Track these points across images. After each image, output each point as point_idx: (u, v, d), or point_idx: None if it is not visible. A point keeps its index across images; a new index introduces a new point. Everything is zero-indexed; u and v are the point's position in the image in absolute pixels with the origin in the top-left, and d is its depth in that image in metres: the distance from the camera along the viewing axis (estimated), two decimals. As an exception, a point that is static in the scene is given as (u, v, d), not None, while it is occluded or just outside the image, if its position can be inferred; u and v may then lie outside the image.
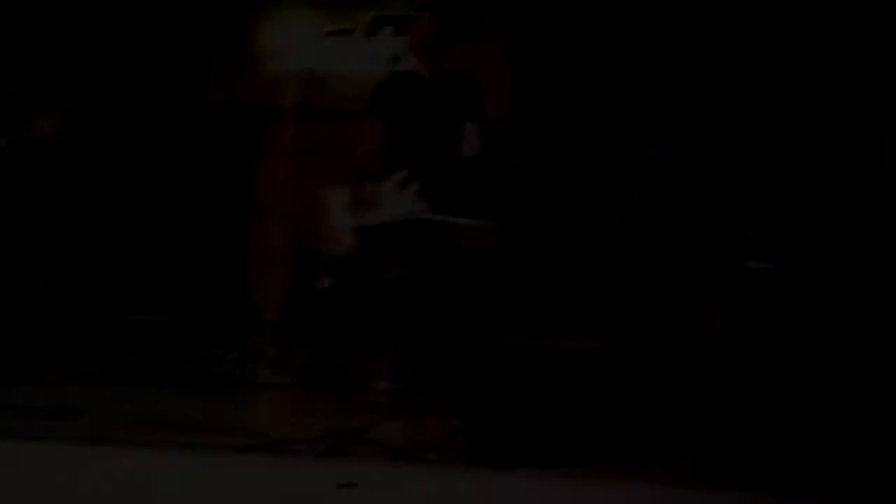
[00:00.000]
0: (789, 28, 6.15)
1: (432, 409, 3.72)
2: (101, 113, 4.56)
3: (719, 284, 5.28)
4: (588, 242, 6.87)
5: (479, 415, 3.50)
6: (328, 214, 4.32)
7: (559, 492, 3.04)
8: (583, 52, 7.10)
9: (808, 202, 4.49)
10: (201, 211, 5.95)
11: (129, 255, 7.34)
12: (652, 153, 5.33)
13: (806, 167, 4.74)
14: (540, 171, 6.30)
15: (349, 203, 3.82)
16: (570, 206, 6.98)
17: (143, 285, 7.10)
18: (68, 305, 6.95)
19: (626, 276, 5.41)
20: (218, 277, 7.24)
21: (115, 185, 7.50)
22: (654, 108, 5.48)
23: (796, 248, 4.38)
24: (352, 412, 3.44)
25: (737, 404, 4.36)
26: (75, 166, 7.17)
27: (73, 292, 7.03)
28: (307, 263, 5.73)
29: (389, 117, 4.37)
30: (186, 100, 6.33)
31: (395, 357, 4.84)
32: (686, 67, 5.67)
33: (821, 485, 3.24)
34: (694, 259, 5.29)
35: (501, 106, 5.85)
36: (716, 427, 4.46)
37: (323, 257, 4.39)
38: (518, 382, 3.38)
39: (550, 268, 6.50)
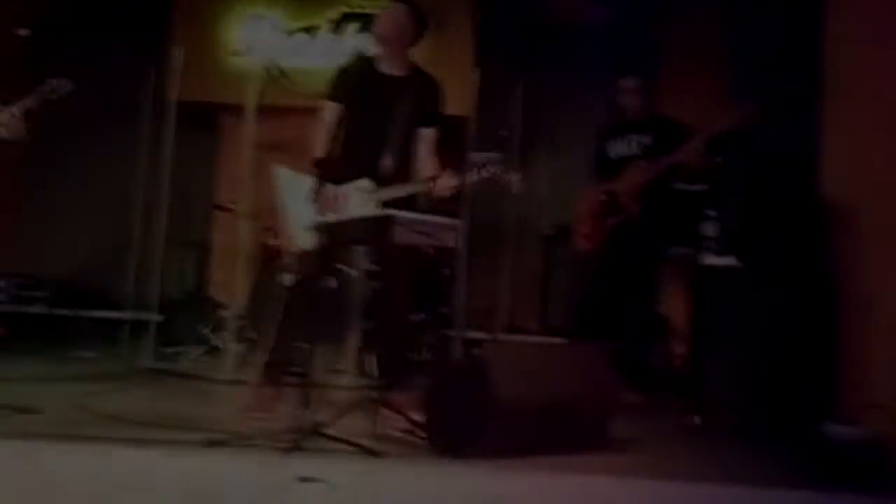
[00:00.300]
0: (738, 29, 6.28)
1: (394, 404, 3.73)
2: (61, 110, 4.50)
3: (683, 280, 5.36)
4: (552, 240, 6.96)
5: (439, 408, 3.53)
6: (286, 211, 4.24)
7: (520, 483, 3.08)
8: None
9: (763, 201, 4.56)
10: (165, 207, 5.92)
11: (92, 251, 7.33)
12: (612, 151, 5.38)
13: (760, 167, 4.81)
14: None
15: (309, 199, 3.75)
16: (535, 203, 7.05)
17: (106, 282, 7.08)
18: (30, 301, 6.93)
19: (589, 271, 5.45)
20: (182, 274, 7.24)
21: (77, 181, 7.48)
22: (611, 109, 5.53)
23: (755, 245, 4.45)
24: (314, 407, 3.43)
25: (702, 394, 4.43)
26: (36, 162, 7.15)
27: (36, 288, 7.02)
28: (271, 259, 5.74)
29: (348, 104, 4.19)
30: (148, 96, 6.30)
31: (357, 352, 4.86)
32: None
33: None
34: (658, 255, 5.36)
35: (464, 106, 5.92)
36: (678, 418, 4.54)
37: (285, 253, 4.38)
38: (479, 376, 3.40)
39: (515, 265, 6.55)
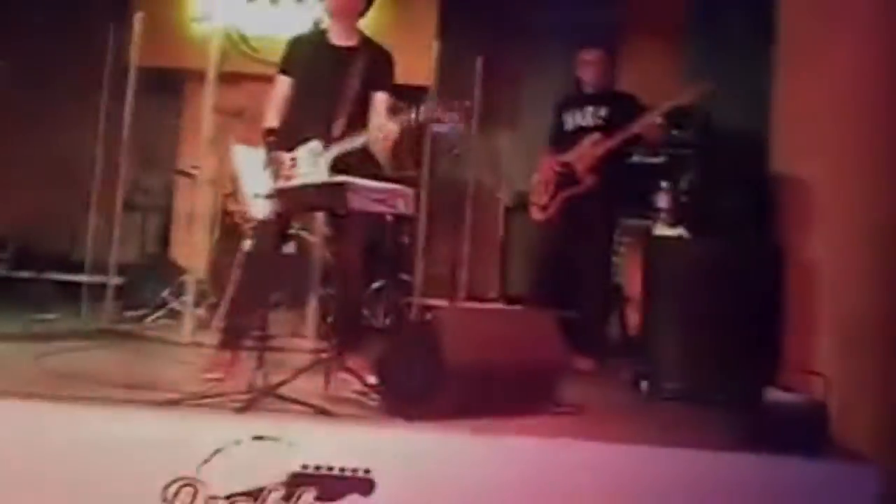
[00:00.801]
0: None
1: (349, 367, 3.80)
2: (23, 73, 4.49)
3: (639, 250, 5.45)
4: (512, 209, 7.02)
5: (392, 371, 3.61)
6: (244, 181, 4.32)
7: (470, 445, 3.14)
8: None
9: (715, 174, 4.65)
10: (125, 171, 5.94)
11: (53, 215, 7.31)
12: (569, 123, 5.44)
13: (713, 142, 4.90)
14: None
15: (264, 166, 3.83)
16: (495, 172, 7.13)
17: (68, 245, 7.09)
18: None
19: (547, 241, 5.51)
20: (145, 237, 7.26)
21: (39, 145, 7.44)
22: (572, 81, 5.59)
23: (705, 217, 4.54)
24: (270, 369, 3.50)
25: (650, 361, 4.53)
26: None
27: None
28: (232, 224, 5.78)
29: (299, 76, 4.30)
30: (110, 60, 6.28)
31: (316, 316, 4.92)
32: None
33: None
34: (613, 226, 5.45)
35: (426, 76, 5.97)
36: (628, 384, 4.65)
37: (245, 218, 4.43)
38: (431, 341, 3.47)
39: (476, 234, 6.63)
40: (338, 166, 4.05)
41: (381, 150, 4.06)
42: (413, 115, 3.91)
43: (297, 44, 4.40)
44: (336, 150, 4.08)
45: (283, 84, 4.33)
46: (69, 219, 6.90)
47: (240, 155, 4.35)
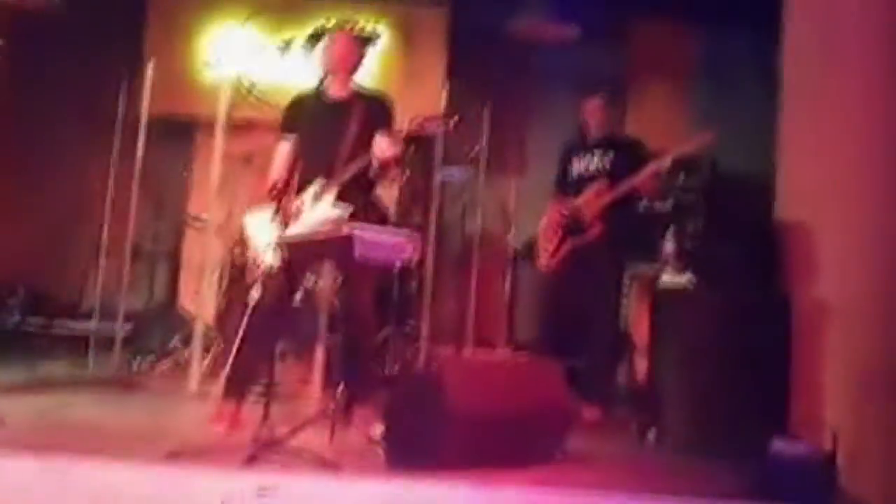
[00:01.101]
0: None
1: (356, 418, 3.80)
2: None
3: (645, 297, 5.44)
4: (519, 255, 7.02)
5: (396, 421, 3.60)
6: (250, 230, 4.42)
7: (474, 496, 3.13)
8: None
9: (721, 221, 4.66)
10: (133, 219, 5.99)
11: (61, 262, 7.34)
12: (575, 169, 5.46)
13: (719, 189, 4.92)
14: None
15: (272, 217, 3.93)
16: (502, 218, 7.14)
17: (75, 292, 7.11)
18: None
19: (554, 288, 5.51)
20: (153, 285, 7.27)
21: (49, 191, 7.50)
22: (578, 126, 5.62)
23: (711, 264, 4.54)
24: (275, 420, 3.50)
25: (657, 410, 4.52)
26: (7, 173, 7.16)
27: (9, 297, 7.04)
28: (240, 272, 5.79)
29: (301, 133, 4.48)
30: (121, 108, 6.34)
31: (323, 365, 4.92)
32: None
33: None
34: (620, 273, 5.44)
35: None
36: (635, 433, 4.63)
37: (253, 268, 4.47)
38: (436, 391, 3.47)
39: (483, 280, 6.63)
40: (342, 199, 4.20)
41: (384, 181, 4.17)
42: (404, 129, 4.17)
43: (296, 103, 4.59)
44: (339, 179, 4.22)
45: (286, 142, 4.53)
46: (79, 266, 6.93)
47: (251, 222, 4.50)
